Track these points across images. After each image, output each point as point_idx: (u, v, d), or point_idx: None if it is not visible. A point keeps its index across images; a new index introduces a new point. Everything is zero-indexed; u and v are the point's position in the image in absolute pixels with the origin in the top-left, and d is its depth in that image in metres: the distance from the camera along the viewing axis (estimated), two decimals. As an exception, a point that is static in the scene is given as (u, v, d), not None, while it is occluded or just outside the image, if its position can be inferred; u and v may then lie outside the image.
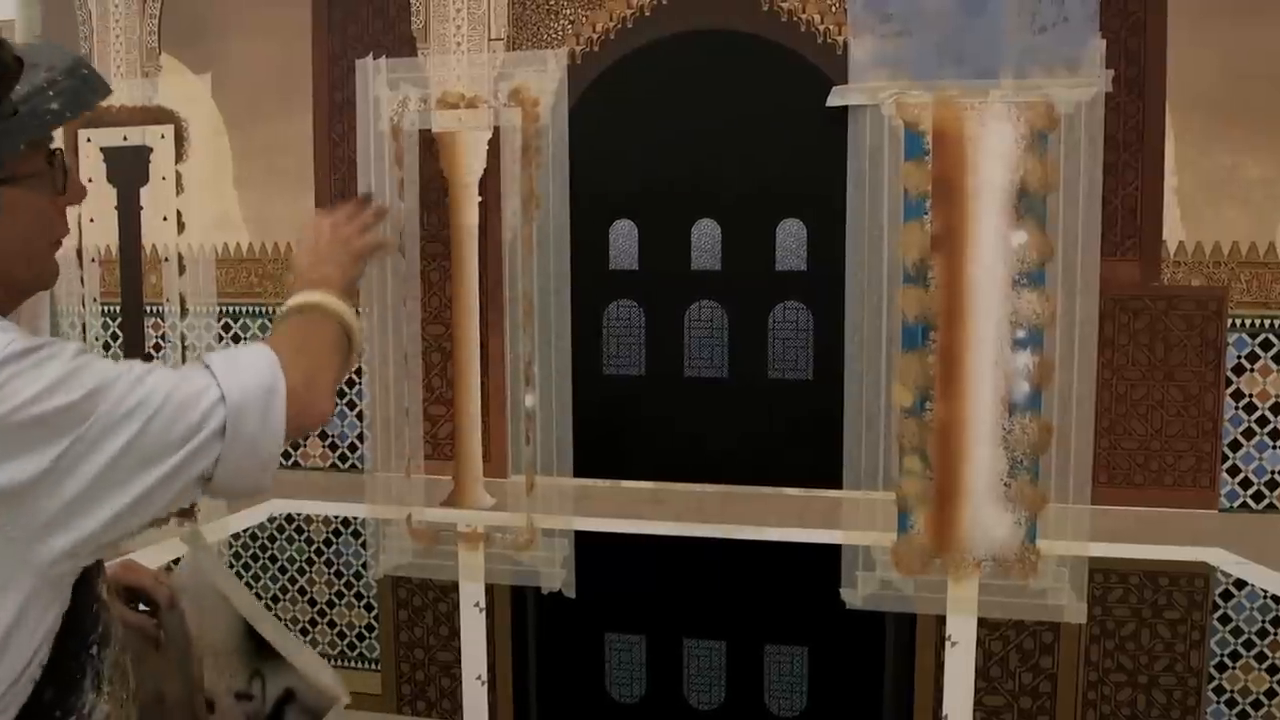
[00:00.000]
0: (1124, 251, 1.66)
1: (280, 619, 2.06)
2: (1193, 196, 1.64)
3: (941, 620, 1.76)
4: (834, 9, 1.72)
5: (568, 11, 1.83)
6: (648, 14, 1.80)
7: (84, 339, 2.12)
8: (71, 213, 1.35)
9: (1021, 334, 1.69)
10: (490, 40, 1.87)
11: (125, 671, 1.33)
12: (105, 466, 1.10)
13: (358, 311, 1.57)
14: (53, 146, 1.23)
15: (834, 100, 1.73)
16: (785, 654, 1.86)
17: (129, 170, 2.07)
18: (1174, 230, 1.65)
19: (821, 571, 1.80)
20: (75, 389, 1.09)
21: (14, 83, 1.13)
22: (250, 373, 1.22)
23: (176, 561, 2.08)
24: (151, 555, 2.07)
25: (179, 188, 2.06)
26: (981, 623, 1.75)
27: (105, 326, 2.12)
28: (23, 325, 1.23)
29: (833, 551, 1.79)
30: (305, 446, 2.02)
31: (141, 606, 1.49)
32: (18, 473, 1.06)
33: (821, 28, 1.73)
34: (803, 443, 1.81)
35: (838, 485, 1.78)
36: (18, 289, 1.24)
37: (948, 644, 1.76)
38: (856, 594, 1.78)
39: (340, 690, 1.63)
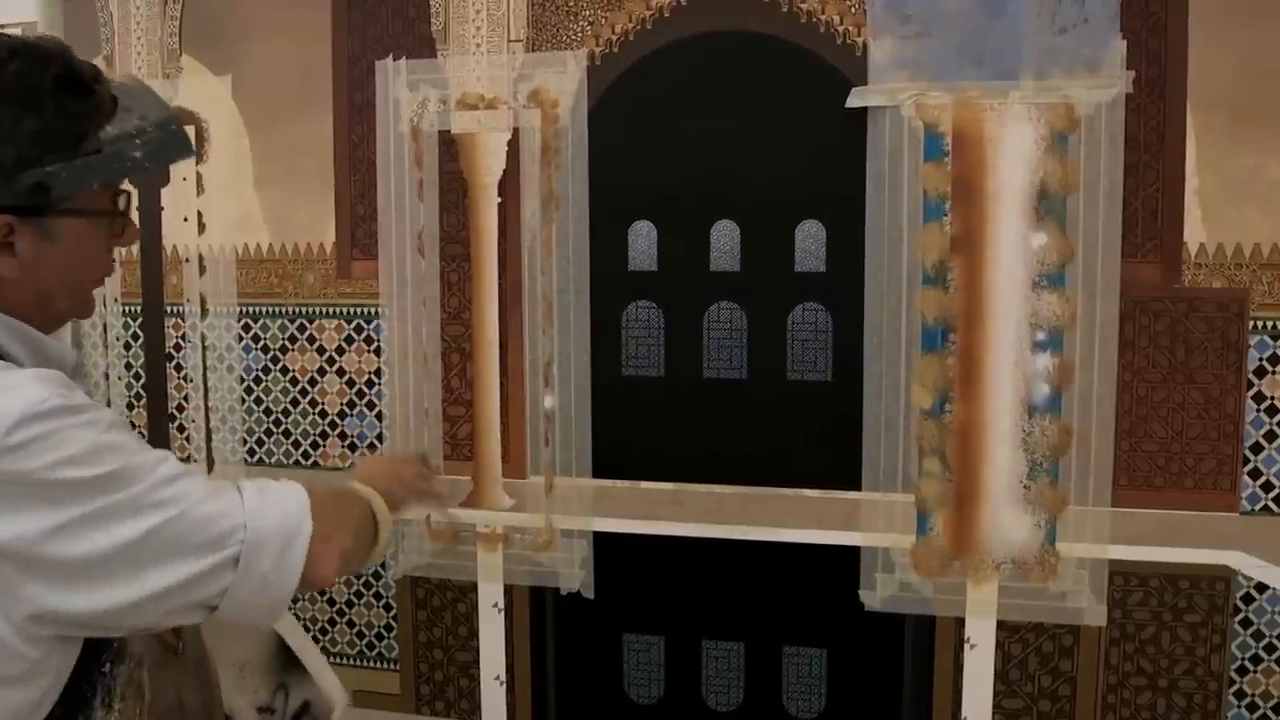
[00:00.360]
0: (1145, 253, 1.68)
1: (300, 619, 2.09)
2: (1214, 198, 1.65)
3: (960, 622, 1.78)
4: (853, 10, 1.74)
5: (587, 13, 1.85)
6: (667, 15, 1.82)
7: (105, 339, 2.16)
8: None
9: (1041, 336, 1.70)
10: (510, 41, 1.89)
11: (140, 686, 1.33)
12: (110, 550, 1.08)
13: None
14: (124, 191, 1.24)
15: (853, 101, 1.74)
16: (804, 655, 1.88)
17: (151, 171, 2.11)
18: (1195, 232, 1.66)
19: (840, 573, 1.81)
20: (100, 465, 1.07)
21: (106, 122, 1.16)
22: (277, 512, 1.20)
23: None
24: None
25: (200, 189, 2.09)
26: (1001, 625, 1.77)
27: (126, 326, 2.15)
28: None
29: (851, 553, 1.81)
30: (325, 447, 2.05)
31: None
32: (23, 527, 1.05)
33: (841, 29, 1.75)
34: (822, 444, 1.83)
35: (857, 487, 1.80)
36: (54, 316, 1.25)
37: (967, 646, 1.78)
38: (875, 596, 1.80)
39: (340, 698, 1.65)
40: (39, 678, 1.12)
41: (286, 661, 1.63)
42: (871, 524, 1.79)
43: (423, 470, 1.66)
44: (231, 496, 1.17)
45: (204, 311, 2.11)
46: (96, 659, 1.20)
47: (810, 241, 1.81)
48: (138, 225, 1.33)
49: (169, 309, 2.13)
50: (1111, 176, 1.67)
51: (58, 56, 1.13)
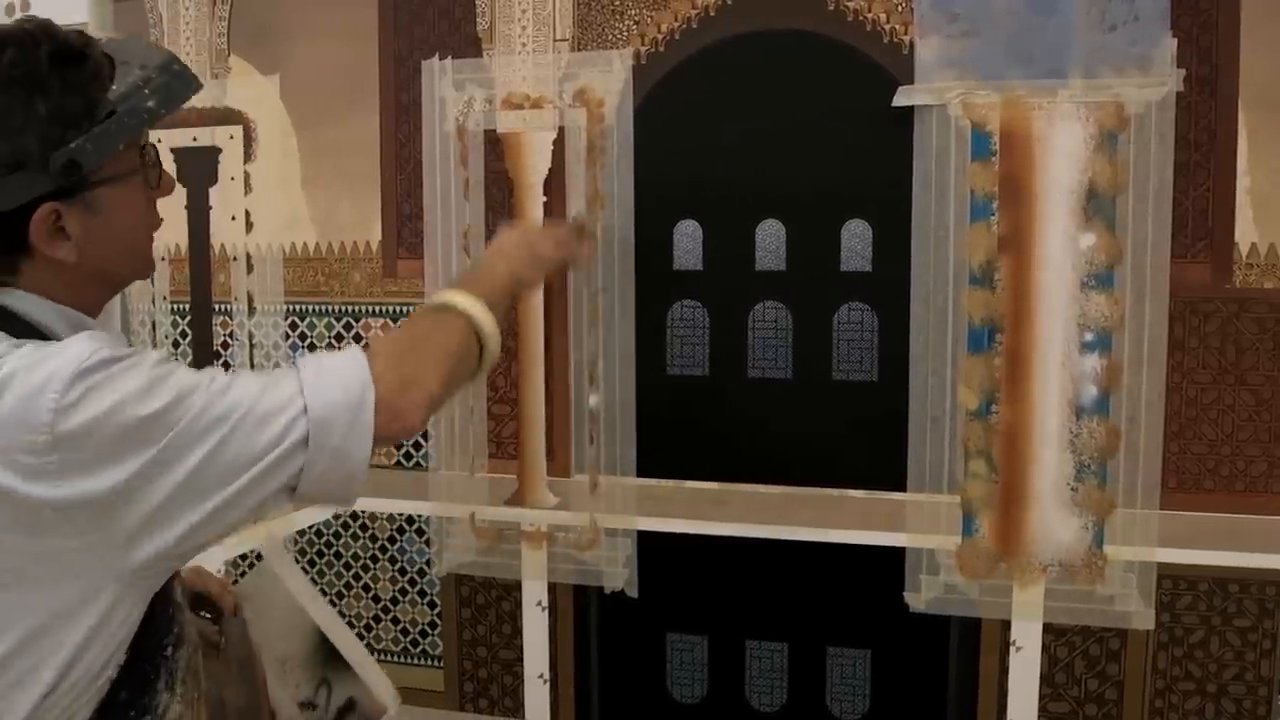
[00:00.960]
0: (1195, 253, 1.70)
1: (344, 615, 2.15)
2: (1266, 197, 1.67)
3: (1006, 625, 1.80)
4: (900, 8, 1.77)
5: (632, 12, 1.89)
6: (712, 14, 1.86)
7: (154, 337, 2.23)
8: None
9: (1089, 337, 1.73)
10: (555, 41, 1.94)
11: (197, 672, 1.39)
12: (185, 479, 1.13)
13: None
14: (148, 142, 1.27)
15: (900, 100, 1.77)
16: (848, 657, 1.91)
17: (199, 170, 2.17)
18: (1246, 231, 1.68)
19: (885, 574, 1.84)
20: (156, 399, 1.12)
21: (110, 83, 1.18)
22: (338, 386, 1.21)
23: (244, 558, 2.19)
24: (220, 552, 2.18)
25: (247, 188, 2.16)
26: (1047, 628, 1.79)
27: (175, 324, 2.22)
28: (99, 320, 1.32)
29: (896, 554, 1.84)
30: (370, 444, 2.11)
31: (204, 614, 1.54)
32: (97, 484, 1.10)
33: (887, 27, 1.78)
34: (867, 445, 1.86)
35: (902, 488, 1.83)
36: (116, 282, 1.30)
37: (1012, 649, 1.80)
38: (920, 597, 1.83)
39: (391, 701, 1.70)
40: (98, 639, 1.18)
41: (328, 657, 1.67)
42: (916, 525, 1.82)
43: (563, 237, 1.67)
44: (289, 383, 1.20)
45: (251, 310, 2.17)
46: (159, 643, 1.26)
47: (856, 241, 1.84)
48: (170, 173, 1.35)
49: (217, 307, 2.20)
50: (1161, 176, 1.69)
51: (46, 35, 1.16)
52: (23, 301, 1.21)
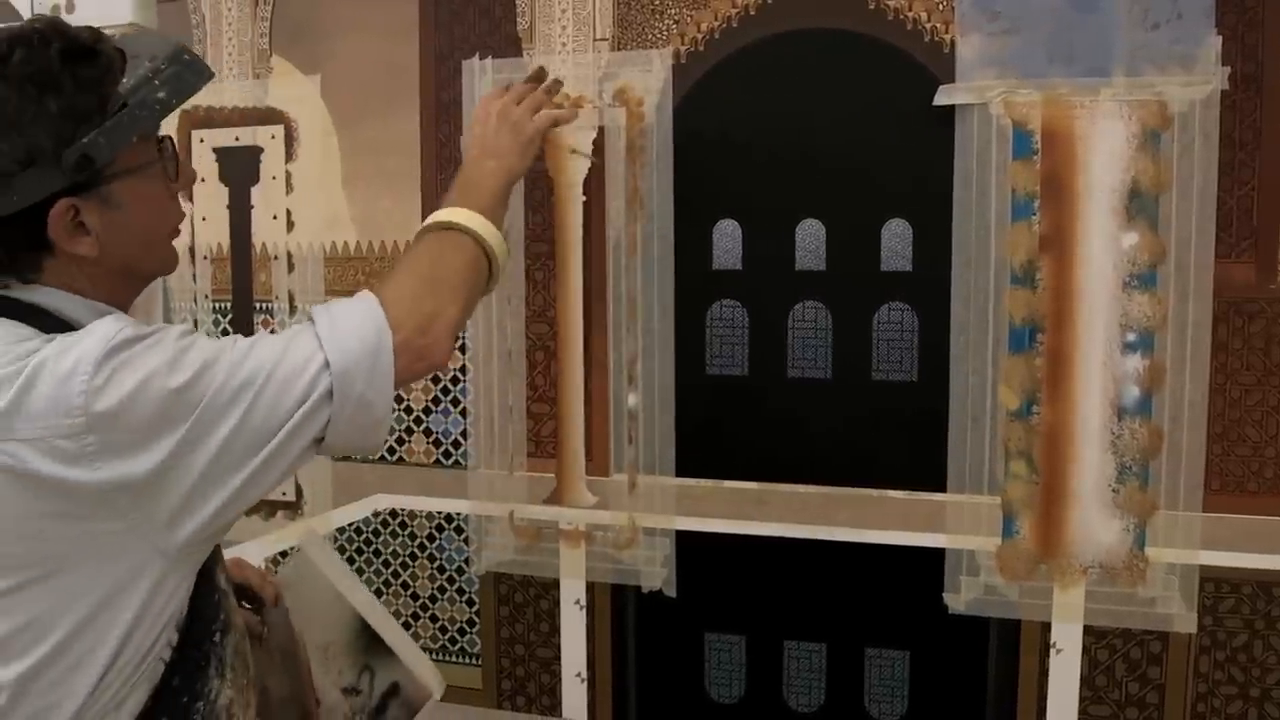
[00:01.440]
0: (1239, 253, 1.71)
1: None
2: (1313, 197, 1.68)
3: (1046, 627, 1.82)
4: (941, 7, 1.79)
5: (672, 11, 1.92)
6: (752, 13, 1.88)
7: (196, 335, 2.28)
8: (185, 210, 1.43)
9: (1132, 337, 1.74)
10: (595, 40, 1.97)
11: (246, 658, 1.43)
12: (219, 451, 1.17)
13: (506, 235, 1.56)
14: (161, 135, 1.30)
15: (941, 99, 1.79)
16: (886, 658, 1.93)
17: (240, 170, 2.22)
18: (1292, 231, 1.69)
19: (924, 575, 1.87)
20: (182, 372, 1.15)
21: (120, 76, 1.20)
22: (354, 335, 1.26)
23: (284, 554, 2.24)
24: (259, 548, 2.23)
25: (289, 187, 2.21)
26: (1087, 630, 1.80)
27: (216, 323, 2.28)
28: (137, 318, 1.36)
29: (936, 555, 1.86)
30: (410, 442, 2.16)
31: (245, 604, 1.58)
32: (135, 467, 1.14)
33: (928, 26, 1.80)
34: (906, 445, 1.88)
35: (942, 488, 1.85)
36: (140, 277, 1.33)
37: (1052, 651, 1.82)
38: (959, 599, 1.86)
39: (436, 685, 1.74)
40: (145, 621, 1.22)
41: (370, 643, 1.70)
42: (956, 526, 1.84)
43: (529, 96, 1.72)
44: (306, 339, 1.25)
45: (292, 308, 2.22)
46: (208, 629, 1.31)
47: (896, 240, 1.86)
48: (190, 166, 1.40)
49: (258, 305, 2.25)
50: (1205, 175, 1.70)
51: (56, 33, 1.20)
52: (51, 297, 1.24)
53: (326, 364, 1.24)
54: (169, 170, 1.31)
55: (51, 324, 1.23)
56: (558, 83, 1.85)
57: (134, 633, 1.22)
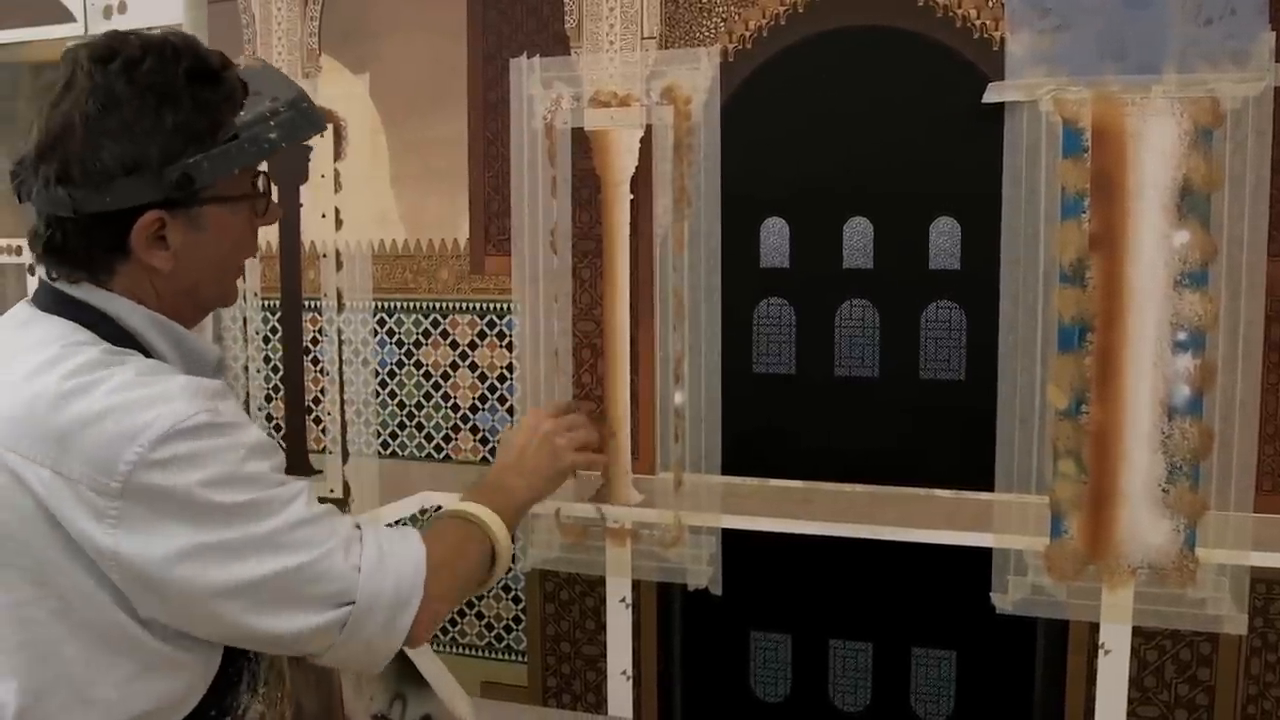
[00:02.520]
0: (1292, 252, 1.73)
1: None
2: (1367, 195, 1.69)
3: (1094, 627, 1.84)
4: (990, 3, 1.81)
5: (720, 9, 1.96)
6: (801, 11, 1.92)
7: (245, 332, 2.35)
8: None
9: (1182, 336, 1.76)
10: (643, 39, 2.01)
11: (281, 673, 1.47)
12: (225, 588, 1.20)
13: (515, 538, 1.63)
14: (262, 172, 1.37)
15: (990, 97, 1.81)
16: (933, 657, 1.96)
17: (290, 168, 2.28)
18: (1346, 230, 1.70)
19: (971, 575, 1.90)
20: (232, 494, 1.19)
21: (239, 108, 1.28)
22: (392, 581, 1.30)
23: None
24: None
25: (337, 185, 2.27)
26: (1136, 631, 1.83)
27: (265, 321, 2.34)
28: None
29: (983, 555, 1.89)
30: (457, 440, 2.21)
31: None
32: (140, 551, 1.17)
33: (978, 23, 1.83)
34: (954, 444, 1.91)
35: (989, 488, 1.87)
36: (201, 305, 1.39)
37: (1101, 652, 1.84)
38: (1007, 598, 1.88)
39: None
40: (181, 670, 1.26)
41: (404, 672, 1.75)
42: (1004, 525, 1.88)
43: (589, 441, 1.81)
44: (351, 555, 1.27)
45: (340, 306, 2.29)
46: (241, 648, 1.34)
47: (945, 239, 1.89)
48: (277, 203, 1.44)
49: (307, 304, 2.31)
50: (1258, 173, 1.71)
51: (188, 51, 1.26)
52: (112, 303, 1.29)
53: (358, 589, 1.27)
54: (259, 206, 1.37)
55: (109, 330, 1.28)
56: (612, 433, 1.99)
57: (147, 683, 1.26)
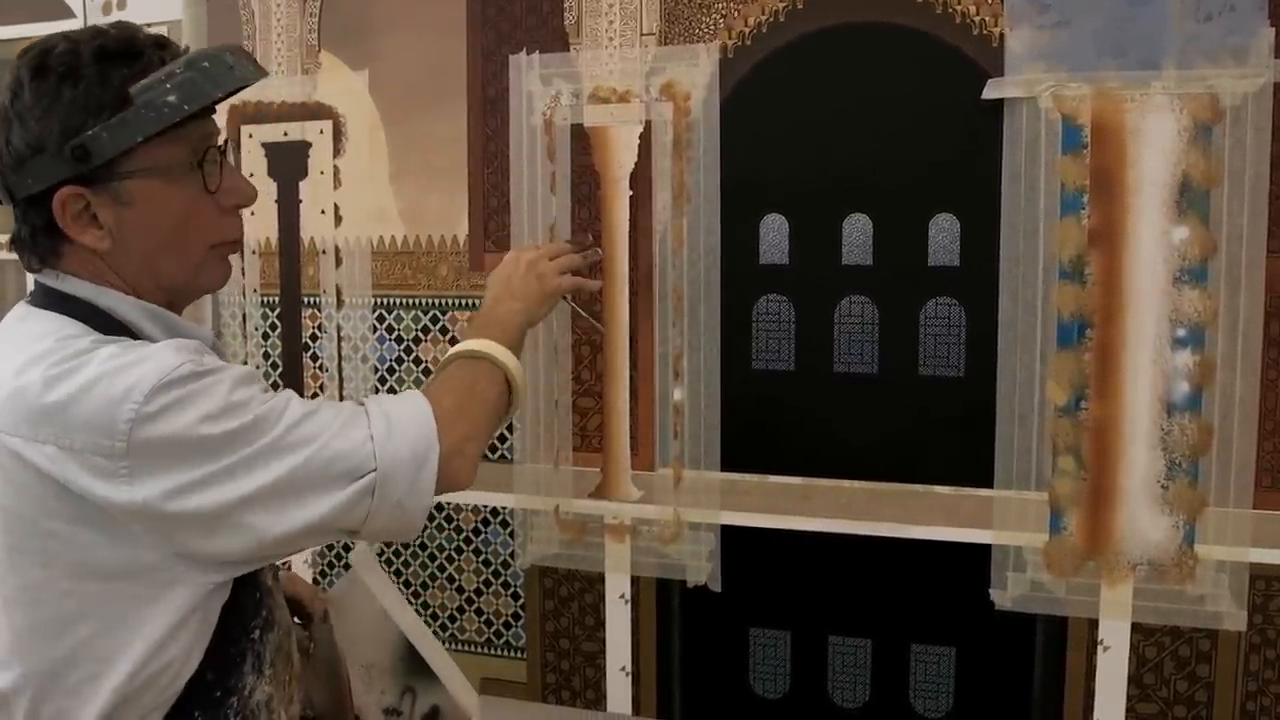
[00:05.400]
0: (1292, 248, 1.73)
1: (428, 606, 2.26)
2: (1366, 191, 1.69)
3: (1093, 624, 1.84)
4: (990, 0, 1.82)
5: (719, 6, 1.96)
6: (800, 7, 1.91)
7: (244, 329, 2.35)
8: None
9: (1182, 332, 1.76)
10: (642, 35, 2.01)
11: (289, 654, 1.47)
12: (252, 495, 1.22)
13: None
14: (211, 145, 1.33)
15: (990, 93, 1.81)
16: (932, 654, 1.96)
17: (289, 165, 2.29)
18: (1345, 227, 1.70)
19: (970, 571, 1.90)
20: (230, 421, 1.21)
21: (125, 68, 1.24)
22: (405, 440, 1.31)
23: (330, 549, 2.30)
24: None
25: (336, 182, 2.27)
26: (1135, 628, 1.82)
27: (264, 317, 2.34)
28: (185, 315, 1.39)
29: (982, 551, 1.89)
30: (456, 436, 2.21)
31: (294, 619, 1.62)
32: (160, 493, 1.19)
33: (977, 19, 1.82)
34: (953, 440, 1.90)
35: (988, 484, 1.87)
36: (170, 287, 1.36)
37: (1100, 648, 1.84)
38: (1006, 595, 1.88)
39: (475, 711, 1.78)
40: (178, 637, 1.26)
41: (413, 665, 1.75)
42: (1003, 522, 1.87)
43: (572, 262, 1.82)
44: (359, 428, 1.30)
45: (340, 303, 2.28)
46: (245, 627, 1.35)
47: (944, 235, 1.89)
48: (242, 183, 1.40)
49: (306, 300, 2.31)
50: (1258, 169, 1.71)
51: (112, 35, 1.26)
52: (103, 295, 1.30)
53: (375, 457, 1.29)
54: (208, 181, 1.33)
55: (101, 322, 1.29)
56: (597, 251, 1.96)
57: (160, 649, 1.26)
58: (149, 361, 1.20)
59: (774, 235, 1.97)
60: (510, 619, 2.22)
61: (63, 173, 1.24)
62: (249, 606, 1.36)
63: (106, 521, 1.21)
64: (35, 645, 1.25)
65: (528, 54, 2.09)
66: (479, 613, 2.24)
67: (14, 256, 1.37)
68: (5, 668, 1.27)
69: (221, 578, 1.29)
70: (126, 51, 1.26)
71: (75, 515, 1.21)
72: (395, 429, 1.32)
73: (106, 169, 1.25)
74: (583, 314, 1.95)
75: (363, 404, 1.36)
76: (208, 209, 1.35)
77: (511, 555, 2.20)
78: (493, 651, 2.23)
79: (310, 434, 1.26)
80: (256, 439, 1.22)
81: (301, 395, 2.22)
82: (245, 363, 2.35)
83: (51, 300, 1.31)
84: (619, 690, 2.15)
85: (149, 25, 1.33)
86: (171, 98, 1.24)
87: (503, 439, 2.17)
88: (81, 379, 1.19)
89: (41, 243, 1.30)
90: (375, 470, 1.28)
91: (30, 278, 1.36)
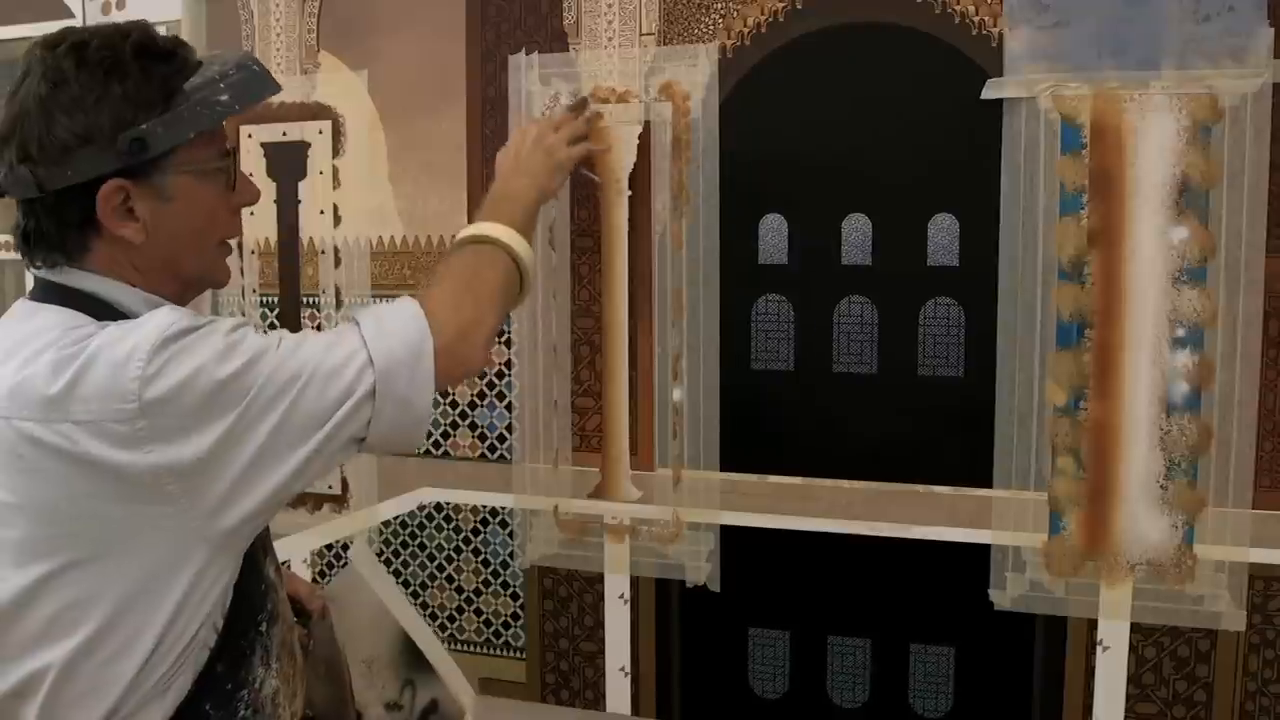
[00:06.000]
0: (1291, 248, 1.72)
1: (427, 606, 2.26)
2: (1365, 191, 1.69)
3: (1093, 624, 1.84)
4: (989, 0, 1.82)
5: (719, 6, 1.96)
6: (799, 7, 1.91)
7: (244, 329, 2.35)
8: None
9: (1181, 332, 1.76)
10: (641, 35, 2.01)
11: (293, 650, 1.49)
12: (266, 440, 1.25)
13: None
14: (229, 146, 1.39)
15: (989, 93, 1.81)
16: (931, 654, 1.96)
17: (288, 165, 2.28)
18: (1345, 227, 1.70)
19: (969, 571, 1.89)
20: (232, 362, 1.23)
21: (190, 76, 1.29)
22: (398, 337, 1.35)
23: (329, 548, 2.30)
24: (304, 541, 2.29)
25: (336, 182, 2.26)
26: (1134, 628, 1.82)
27: (264, 317, 2.34)
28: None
29: (981, 551, 1.89)
30: (455, 436, 2.21)
31: (294, 617, 1.62)
32: (184, 451, 1.21)
33: (976, 19, 1.82)
34: (953, 441, 1.90)
35: (988, 484, 1.87)
36: (185, 281, 1.40)
37: (1099, 648, 1.84)
38: (1005, 595, 1.88)
39: (469, 703, 1.78)
40: (206, 600, 1.30)
41: (413, 659, 1.76)
42: (1002, 522, 1.87)
43: (577, 130, 1.84)
44: (352, 338, 1.33)
45: (339, 302, 2.28)
46: (253, 619, 1.37)
47: (943, 235, 1.89)
48: (253, 183, 1.47)
49: (305, 299, 2.31)
50: (1256, 169, 1.71)
51: (137, 30, 1.29)
52: (105, 285, 1.31)
53: (370, 363, 1.32)
54: (229, 179, 1.38)
55: (107, 313, 1.30)
56: (598, 115, 1.95)
57: (178, 618, 1.28)
58: (144, 326, 1.23)
59: (773, 235, 1.97)
60: (509, 619, 2.22)
61: (112, 165, 1.26)
62: (255, 600, 1.38)
63: (124, 495, 1.23)
64: (64, 627, 1.26)
65: (527, 54, 2.09)
66: (478, 613, 2.24)
67: (14, 256, 1.37)
68: (36, 649, 1.28)
69: (233, 551, 1.32)
70: (161, 49, 1.29)
71: (96, 491, 1.23)
72: (385, 328, 1.35)
73: (153, 163, 1.28)
74: (585, 172, 1.93)
75: (354, 318, 1.39)
76: (225, 207, 1.40)
77: (511, 555, 2.19)
78: (492, 651, 2.23)
79: (309, 352, 1.29)
80: (259, 376, 1.25)
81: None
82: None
83: (56, 295, 1.32)
84: (618, 690, 2.15)
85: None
86: (224, 96, 1.30)
87: (502, 439, 2.17)
88: (82, 358, 1.21)
89: (72, 237, 1.31)
90: (372, 367, 1.31)
91: (29, 275, 1.36)
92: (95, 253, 1.32)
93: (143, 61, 1.27)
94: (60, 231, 1.30)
